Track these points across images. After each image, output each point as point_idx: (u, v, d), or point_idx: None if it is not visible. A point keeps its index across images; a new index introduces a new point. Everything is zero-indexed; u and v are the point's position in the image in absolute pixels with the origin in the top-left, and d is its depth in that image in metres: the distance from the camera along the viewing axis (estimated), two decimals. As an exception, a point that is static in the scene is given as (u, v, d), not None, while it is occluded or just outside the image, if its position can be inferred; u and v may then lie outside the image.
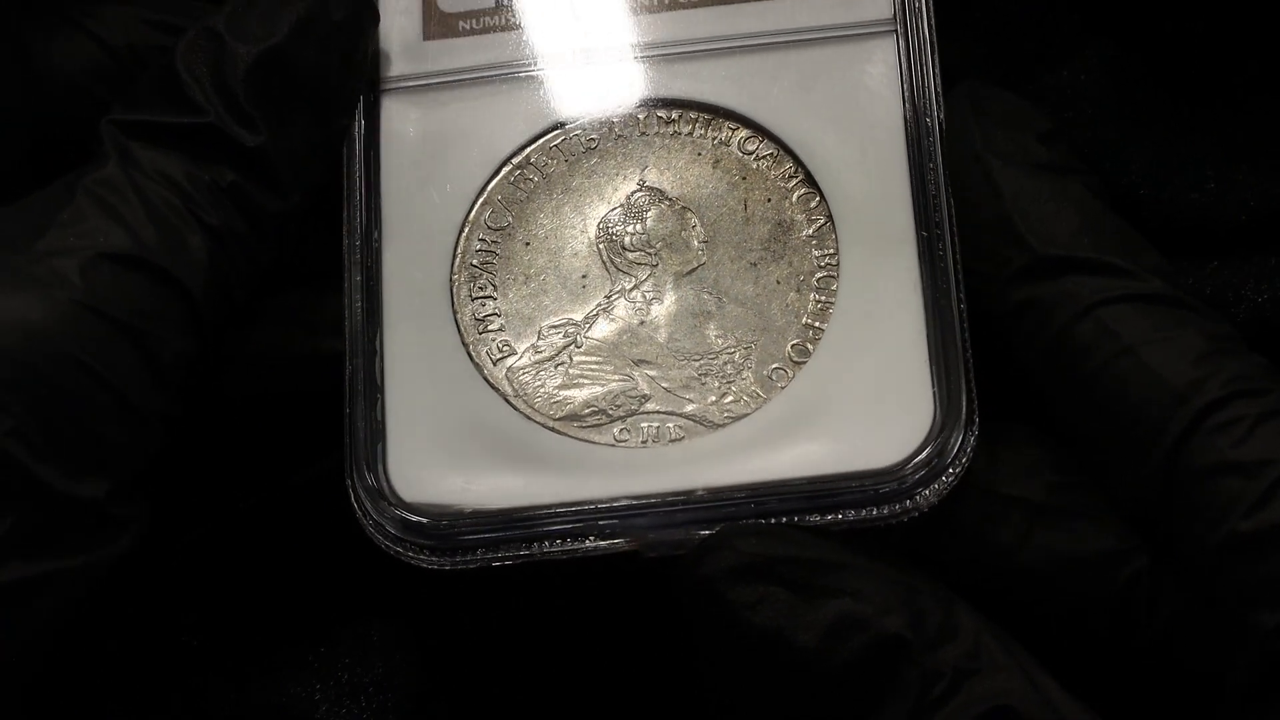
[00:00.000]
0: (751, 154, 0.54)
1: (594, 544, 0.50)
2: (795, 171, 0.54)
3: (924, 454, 0.50)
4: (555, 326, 0.53)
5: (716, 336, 0.53)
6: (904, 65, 0.54)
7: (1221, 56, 0.58)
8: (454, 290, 0.53)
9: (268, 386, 0.54)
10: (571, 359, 0.53)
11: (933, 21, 0.54)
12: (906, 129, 0.53)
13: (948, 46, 0.57)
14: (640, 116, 0.55)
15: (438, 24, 0.56)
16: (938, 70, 0.54)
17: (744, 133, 0.55)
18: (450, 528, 0.50)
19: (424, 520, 0.50)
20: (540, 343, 0.53)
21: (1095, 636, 0.50)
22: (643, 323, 0.53)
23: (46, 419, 0.48)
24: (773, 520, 0.50)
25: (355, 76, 0.54)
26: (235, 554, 0.55)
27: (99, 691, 0.54)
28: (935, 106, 0.53)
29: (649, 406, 0.52)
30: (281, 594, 0.55)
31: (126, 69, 0.55)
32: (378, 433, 0.52)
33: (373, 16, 0.54)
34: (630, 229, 0.54)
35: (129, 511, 0.49)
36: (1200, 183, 0.58)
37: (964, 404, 0.50)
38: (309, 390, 0.53)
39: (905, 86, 0.54)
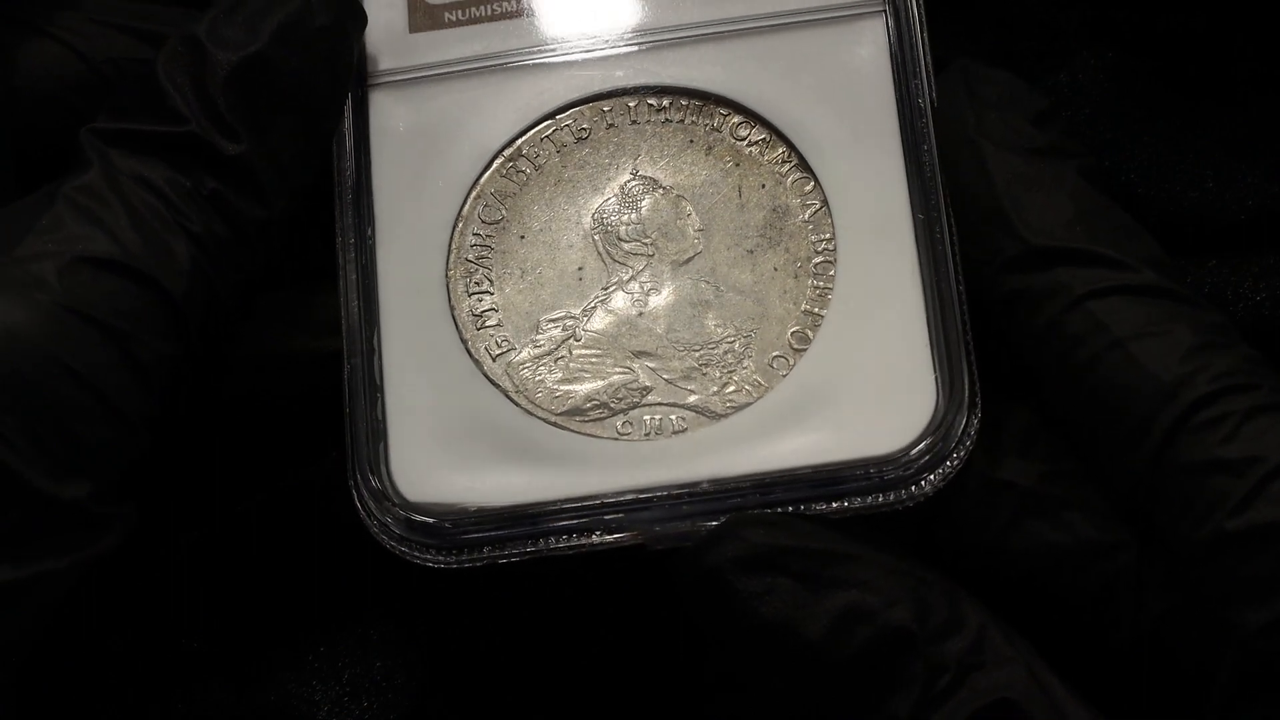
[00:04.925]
0: (744, 140, 0.54)
1: (600, 539, 0.50)
2: (789, 156, 0.54)
3: (928, 439, 0.50)
4: (553, 320, 0.53)
5: (716, 326, 0.52)
6: (894, 45, 0.54)
7: (1221, 56, 0.59)
8: (450, 286, 0.53)
9: (261, 387, 0.53)
10: (571, 353, 0.52)
11: (922, 1, 0.54)
12: (899, 110, 0.53)
13: (947, 45, 0.57)
14: (631, 105, 0.55)
15: (423, 16, 0.56)
16: (928, 49, 0.54)
17: (736, 118, 0.54)
18: (455, 526, 0.50)
19: (428, 519, 0.50)
20: (539, 337, 0.53)
21: (1080, 628, 0.50)
22: (641, 314, 0.53)
23: (29, 420, 0.47)
24: (778, 509, 0.50)
25: (341, 81, 0.53)
26: (235, 554, 0.55)
27: (100, 692, 0.54)
28: (927, 86, 0.53)
29: (650, 399, 0.52)
30: (281, 595, 0.55)
31: (108, 82, 0.54)
32: (379, 432, 0.51)
33: (358, 20, 0.54)
34: (625, 219, 0.54)
35: (112, 512, 0.49)
36: (1199, 182, 0.58)
37: (966, 388, 0.50)
38: (302, 390, 0.53)
39: (896, 67, 0.54)
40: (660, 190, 0.54)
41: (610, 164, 0.54)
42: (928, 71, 0.53)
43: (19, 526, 0.47)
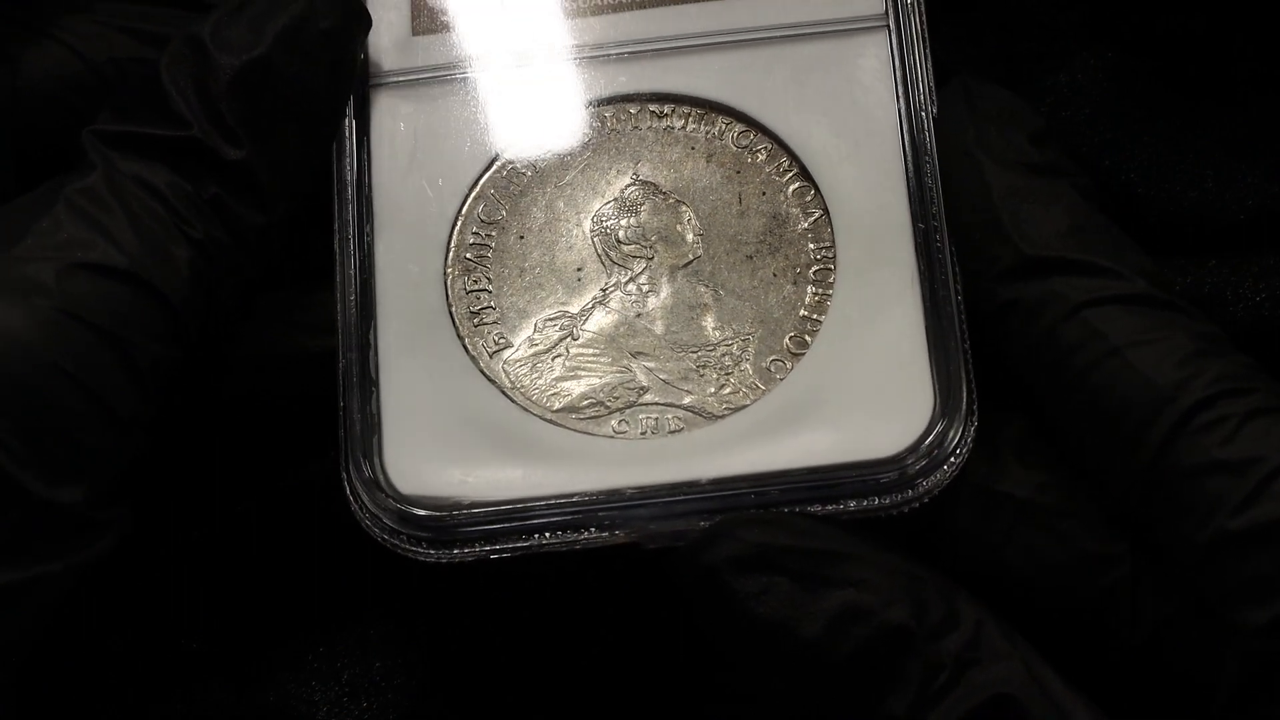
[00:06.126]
0: (745, 148, 0.54)
1: (593, 536, 0.50)
2: (790, 166, 0.54)
3: (924, 444, 0.50)
4: (551, 319, 0.53)
5: (714, 329, 0.53)
6: (896, 60, 0.54)
7: (1221, 56, 0.59)
8: (448, 284, 0.53)
9: (260, 386, 0.53)
10: (568, 351, 0.53)
11: (924, 16, 0.54)
12: (900, 123, 0.53)
13: (947, 47, 0.57)
14: (632, 111, 0.55)
15: (426, 18, 0.56)
16: (930, 64, 0.54)
17: (738, 127, 0.55)
18: (448, 520, 0.50)
19: (421, 512, 0.50)
20: (536, 335, 0.53)
21: (1078, 636, 0.50)
22: (639, 315, 0.53)
23: (26, 425, 0.47)
24: (774, 509, 0.50)
25: (344, 85, 0.53)
26: (234, 555, 0.55)
27: (100, 692, 0.54)
28: (929, 101, 0.53)
29: (647, 398, 0.52)
30: (280, 595, 0.55)
31: (108, 82, 0.54)
32: (373, 425, 0.51)
33: (362, 23, 0.54)
34: (625, 222, 0.54)
35: (107, 516, 0.49)
36: (1199, 181, 0.58)
37: (963, 395, 0.50)
38: (302, 389, 0.53)
39: (898, 81, 0.54)
40: (660, 195, 0.54)
41: (610, 168, 0.54)
42: (929, 85, 0.54)
43: (15, 530, 0.47)
